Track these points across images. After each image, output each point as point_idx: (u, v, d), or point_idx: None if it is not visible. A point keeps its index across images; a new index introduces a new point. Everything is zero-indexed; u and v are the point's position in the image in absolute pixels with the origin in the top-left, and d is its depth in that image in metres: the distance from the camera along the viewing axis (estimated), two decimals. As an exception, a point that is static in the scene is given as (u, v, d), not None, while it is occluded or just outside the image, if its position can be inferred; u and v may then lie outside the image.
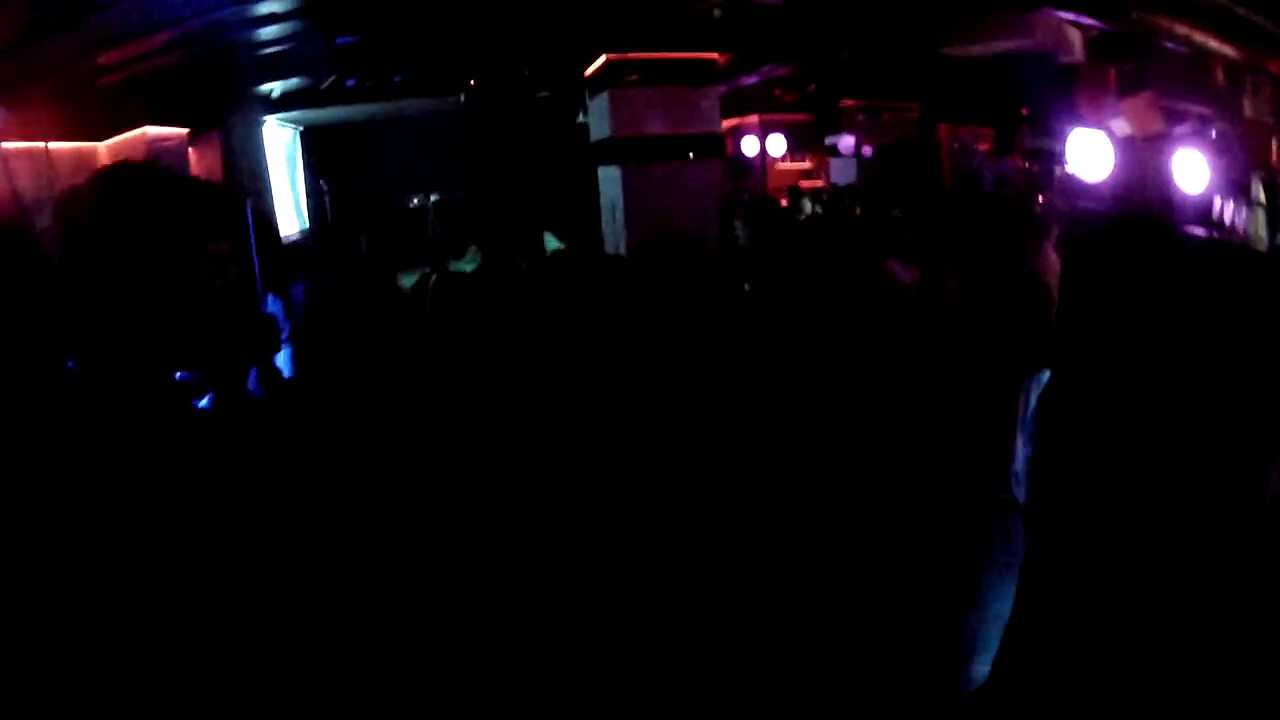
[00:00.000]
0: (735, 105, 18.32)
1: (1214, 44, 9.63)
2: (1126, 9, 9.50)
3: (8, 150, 9.55)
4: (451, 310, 5.86)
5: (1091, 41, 10.67)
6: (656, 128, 11.83)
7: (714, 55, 12.05)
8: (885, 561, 5.84)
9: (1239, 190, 8.12)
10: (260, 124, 14.56)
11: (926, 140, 17.18)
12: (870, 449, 6.82)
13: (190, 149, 13.35)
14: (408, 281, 7.55)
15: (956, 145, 17.61)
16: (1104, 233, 4.54)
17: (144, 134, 11.55)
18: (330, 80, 14.18)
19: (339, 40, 12.09)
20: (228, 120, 13.62)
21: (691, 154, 11.88)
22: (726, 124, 19.02)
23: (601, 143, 12.60)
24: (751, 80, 15.73)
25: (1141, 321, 3.97)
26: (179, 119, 12.28)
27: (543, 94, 16.33)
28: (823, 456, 6.60)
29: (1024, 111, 15.20)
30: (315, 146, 18.40)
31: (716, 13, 10.90)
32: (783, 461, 6.57)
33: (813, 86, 17.05)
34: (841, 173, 17.38)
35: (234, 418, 4.70)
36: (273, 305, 7.54)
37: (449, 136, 18.23)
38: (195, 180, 9.23)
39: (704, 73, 12.12)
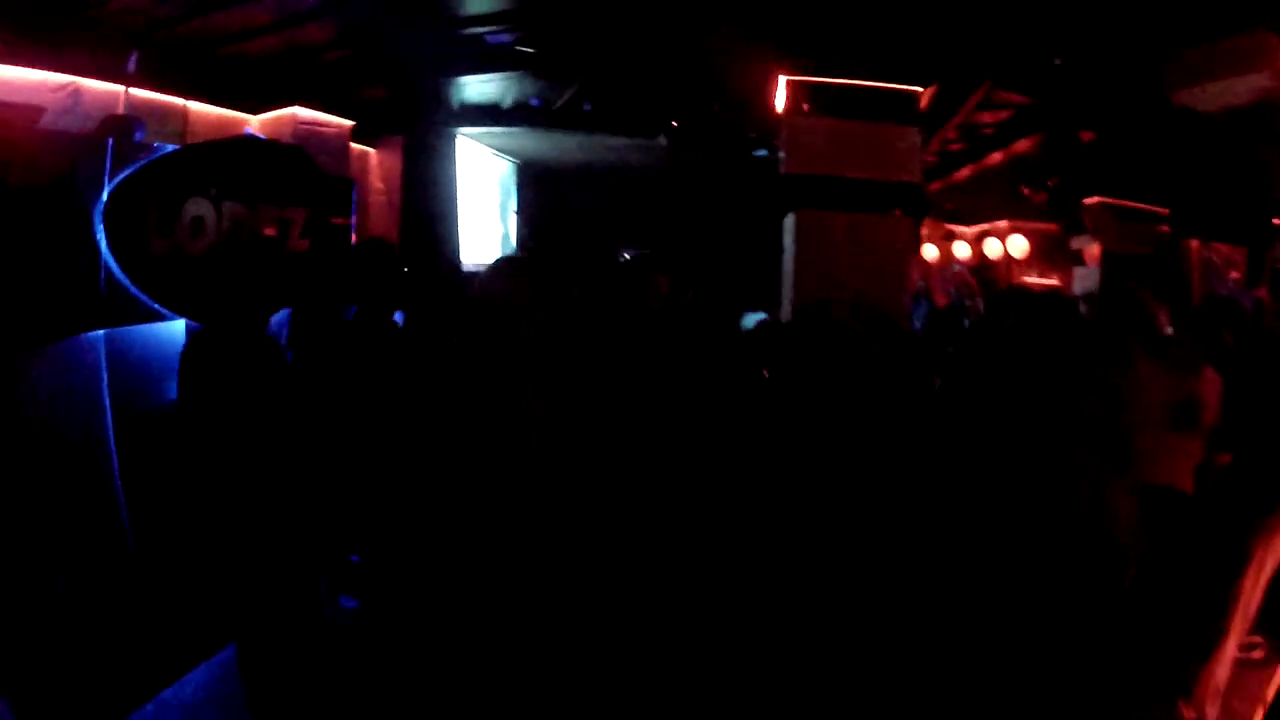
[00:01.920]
0: (983, 207, 17.65)
1: None
2: None
3: (136, 99, 8.91)
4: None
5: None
6: (838, 166, 9.84)
7: (913, 88, 10.17)
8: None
9: None
10: (450, 138, 13.61)
11: (1175, 254, 15.16)
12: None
13: (373, 151, 12.97)
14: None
15: (1205, 272, 15.54)
16: None
17: (294, 114, 10.82)
18: (512, 98, 13.12)
19: (490, 39, 11.01)
20: (411, 127, 12.86)
21: (887, 205, 9.95)
22: (974, 228, 17.79)
23: (777, 183, 10.77)
24: (996, 157, 14.03)
25: None
26: (342, 109, 11.45)
27: (760, 153, 14.87)
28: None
29: (1276, 222, 13.17)
30: (530, 183, 17.68)
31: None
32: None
33: (1054, 180, 15.26)
34: (1084, 282, 15.40)
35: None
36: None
37: (670, 193, 17.05)
38: (288, 148, 8.64)
39: (901, 108, 10.08)
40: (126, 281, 5.95)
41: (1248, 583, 5.22)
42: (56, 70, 8.19)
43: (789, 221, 10.13)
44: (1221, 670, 5.19)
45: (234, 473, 4.86)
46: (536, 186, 17.69)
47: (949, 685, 4.74)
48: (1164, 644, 5.23)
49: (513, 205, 17.17)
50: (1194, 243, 15.06)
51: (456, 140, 13.95)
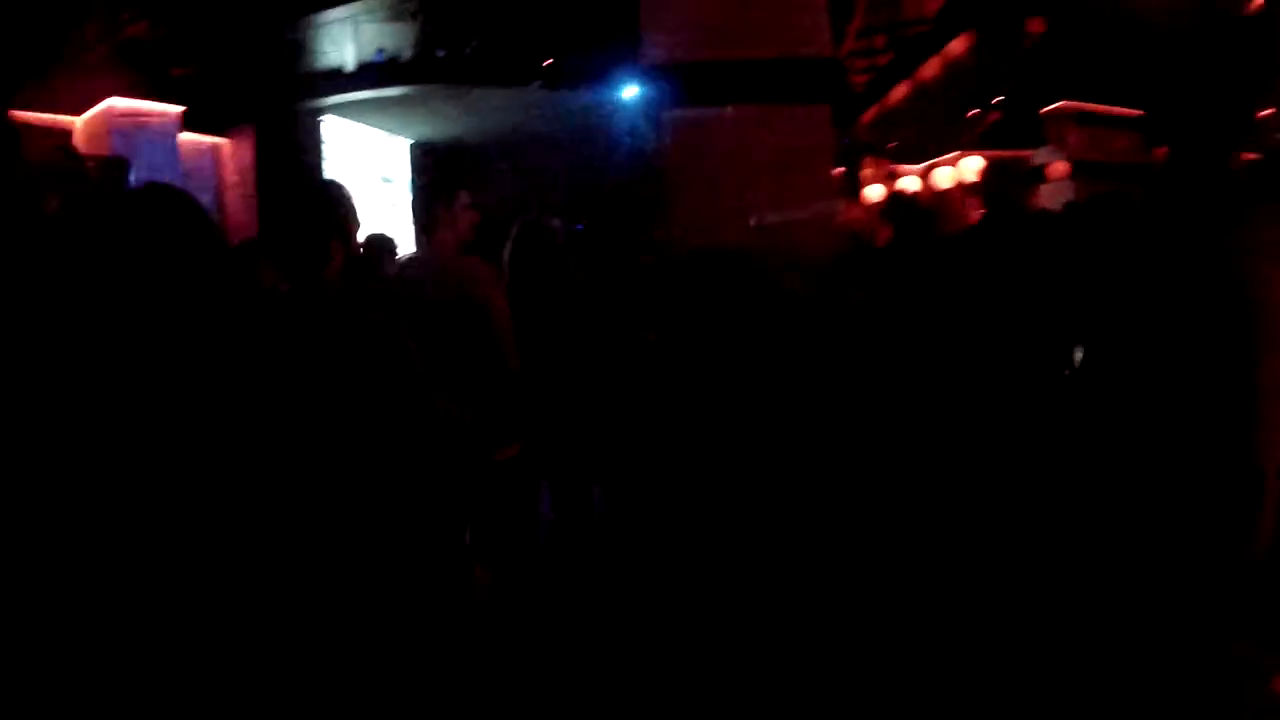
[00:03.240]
0: (928, 143, 15.49)
1: None
2: None
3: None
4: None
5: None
6: (719, 46, 7.22)
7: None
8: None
9: None
10: (308, 119, 12.40)
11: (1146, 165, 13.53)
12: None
13: (225, 143, 11.85)
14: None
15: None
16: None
17: (110, 107, 9.88)
18: (354, 57, 11.44)
19: None
20: (256, 108, 11.62)
21: (789, 91, 7.58)
22: (922, 165, 16.12)
23: (642, 80, 8.59)
24: (932, 68, 12.26)
25: None
26: (169, 95, 10.37)
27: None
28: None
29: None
30: (428, 166, 16.18)
31: None
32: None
33: (1006, 89, 13.58)
34: (1057, 197, 13.62)
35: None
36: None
37: (579, 161, 15.48)
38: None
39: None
40: None
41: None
42: None
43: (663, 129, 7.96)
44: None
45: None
46: (435, 169, 16.12)
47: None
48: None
49: (409, 184, 15.74)
50: (1161, 152, 13.55)
51: (323, 121, 12.73)
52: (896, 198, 8.01)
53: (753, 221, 6.91)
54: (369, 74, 11.85)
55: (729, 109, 7.23)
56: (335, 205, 3.15)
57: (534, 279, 5.05)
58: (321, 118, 12.67)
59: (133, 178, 8.77)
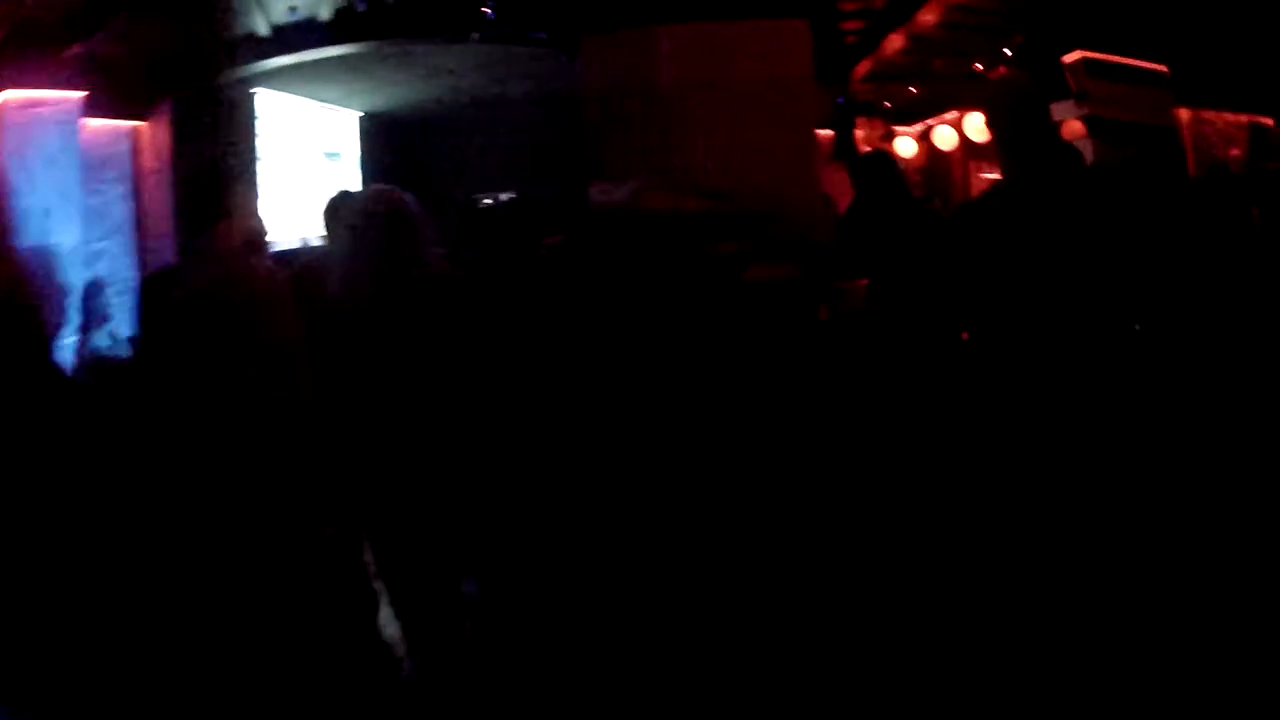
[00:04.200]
0: (929, 102, 15.36)
1: None
2: None
3: None
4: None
5: None
6: None
7: None
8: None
9: None
10: (233, 93, 11.36)
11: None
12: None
13: (143, 125, 10.80)
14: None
15: (1201, 147, 13.07)
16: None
17: (6, 100, 9.01)
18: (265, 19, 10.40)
19: None
20: (173, 87, 10.59)
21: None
22: (920, 125, 15.30)
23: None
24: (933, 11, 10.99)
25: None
26: (76, 78, 9.44)
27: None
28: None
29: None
30: (380, 139, 15.44)
31: None
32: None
33: (1020, 37, 12.45)
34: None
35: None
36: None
37: (541, 129, 14.55)
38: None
39: None
40: None
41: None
42: None
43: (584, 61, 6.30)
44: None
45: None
46: (388, 142, 15.48)
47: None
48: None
49: (356, 160, 14.97)
50: (1184, 112, 13.04)
51: (255, 95, 11.85)
52: (861, 156, 6.78)
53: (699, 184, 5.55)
54: (284, 37, 10.72)
55: (667, 29, 5.60)
56: None
57: (368, 273, 3.62)
58: (252, 91, 11.67)
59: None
